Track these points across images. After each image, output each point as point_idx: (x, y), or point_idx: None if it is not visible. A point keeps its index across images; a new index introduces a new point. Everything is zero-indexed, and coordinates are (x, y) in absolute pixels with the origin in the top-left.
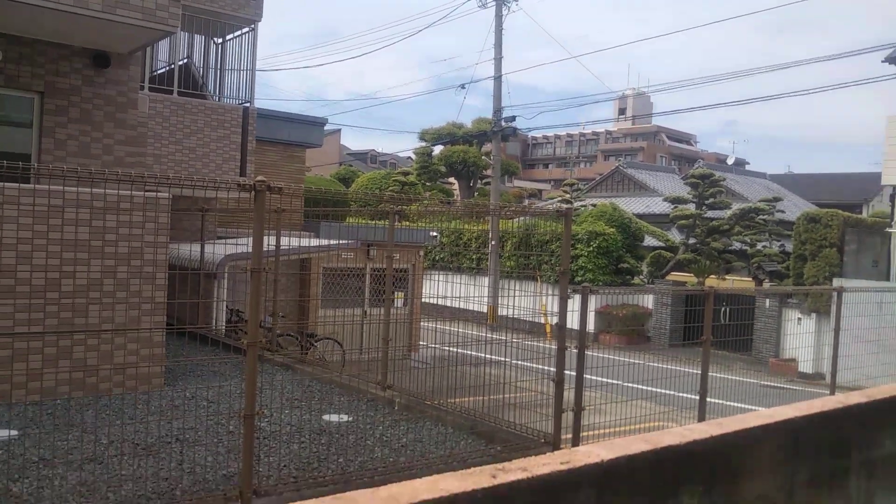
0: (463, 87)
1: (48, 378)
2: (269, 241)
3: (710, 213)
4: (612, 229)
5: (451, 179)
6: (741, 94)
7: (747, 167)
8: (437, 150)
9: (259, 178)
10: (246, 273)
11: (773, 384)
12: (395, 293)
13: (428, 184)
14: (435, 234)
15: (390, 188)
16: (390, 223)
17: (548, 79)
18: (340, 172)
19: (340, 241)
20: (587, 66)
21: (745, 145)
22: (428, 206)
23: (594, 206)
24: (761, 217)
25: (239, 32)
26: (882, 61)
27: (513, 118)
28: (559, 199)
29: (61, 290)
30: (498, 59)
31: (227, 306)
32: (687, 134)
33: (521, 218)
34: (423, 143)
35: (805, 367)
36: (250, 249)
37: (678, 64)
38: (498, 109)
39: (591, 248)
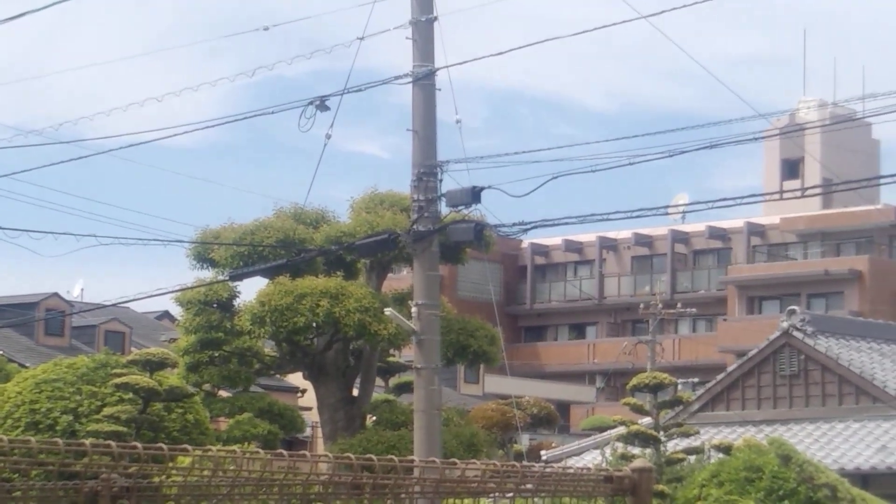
0: (322, 103)
1: None
2: None
3: None
4: None
5: (294, 378)
6: None
7: None
8: (248, 292)
9: None
10: None
11: None
12: None
13: (226, 390)
14: None
15: (110, 410)
16: None
17: (569, 86)
18: None
19: None
20: (672, 39)
21: None
22: (222, 468)
23: (722, 451)
24: None
25: None
26: None
27: (477, 192)
28: (625, 424)
29: None
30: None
31: None
32: None
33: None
34: (204, 278)
35: None
36: None
37: None
38: (429, 161)
39: None
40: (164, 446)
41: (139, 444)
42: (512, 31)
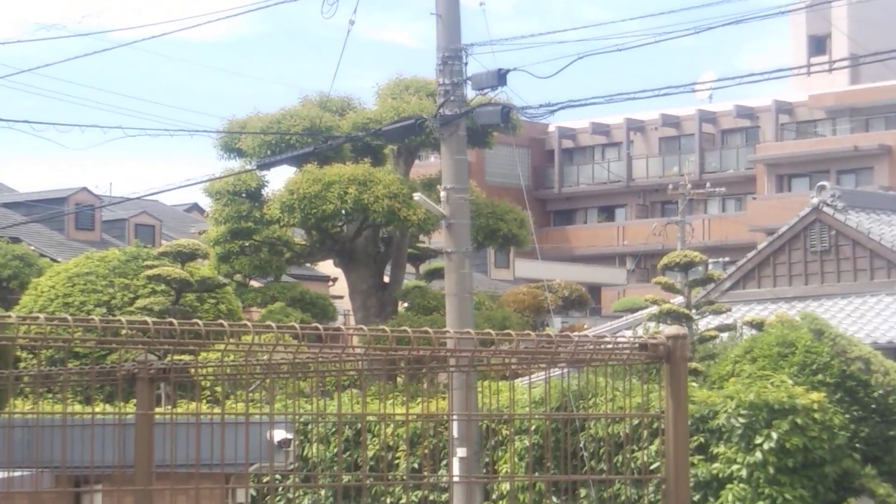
0: None
1: None
2: None
3: None
4: (817, 395)
5: (324, 267)
6: None
7: None
8: (276, 182)
9: None
10: None
11: None
12: None
13: (258, 280)
14: (286, 435)
15: (143, 302)
16: (141, 401)
17: None
18: None
19: None
20: None
21: None
22: (258, 346)
23: (755, 328)
24: None
25: None
26: None
27: (503, 75)
28: (657, 303)
29: None
30: None
31: None
32: None
33: (536, 376)
34: (232, 168)
35: None
36: None
37: None
38: (453, 45)
39: (761, 454)
40: (201, 322)
41: (175, 321)
42: None
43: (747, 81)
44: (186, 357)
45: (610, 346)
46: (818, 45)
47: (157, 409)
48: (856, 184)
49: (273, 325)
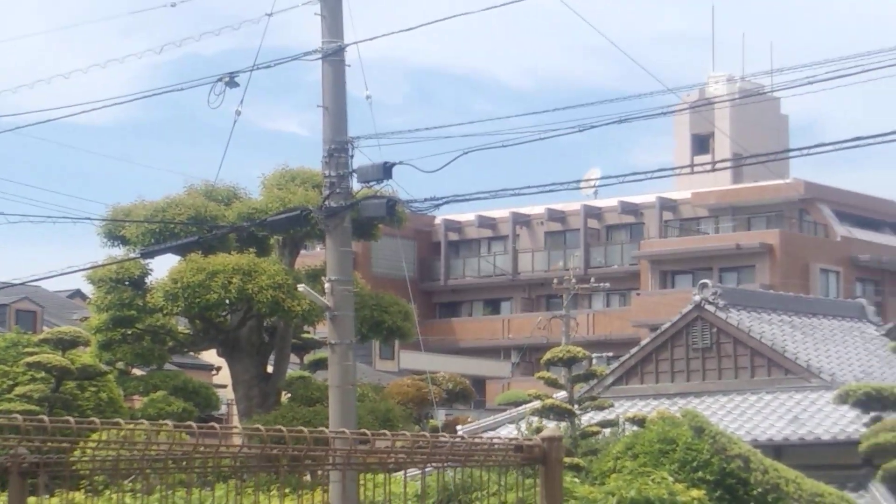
0: (232, 80)
1: None
2: None
3: None
4: (697, 492)
5: (208, 356)
6: None
7: None
8: (160, 270)
9: None
10: None
11: None
12: None
13: (140, 369)
14: None
15: (22, 389)
16: (12, 495)
17: (489, 63)
18: None
19: None
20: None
21: None
22: (131, 442)
23: (637, 424)
24: None
25: None
26: None
27: (388, 168)
28: (540, 398)
29: None
30: None
31: None
32: (888, 203)
33: (407, 473)
34: (115, 255)
35: None
36: None
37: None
38: (340, 137)
39: None
40: (72, 419)
41: (46, 418)
42: (428, 7)
43: (631, 180)
44: (65, 444)
45: (486, 446)
46: (702, 143)
47: (32, 500)
48: (738, 282)
49: (146, 422)
